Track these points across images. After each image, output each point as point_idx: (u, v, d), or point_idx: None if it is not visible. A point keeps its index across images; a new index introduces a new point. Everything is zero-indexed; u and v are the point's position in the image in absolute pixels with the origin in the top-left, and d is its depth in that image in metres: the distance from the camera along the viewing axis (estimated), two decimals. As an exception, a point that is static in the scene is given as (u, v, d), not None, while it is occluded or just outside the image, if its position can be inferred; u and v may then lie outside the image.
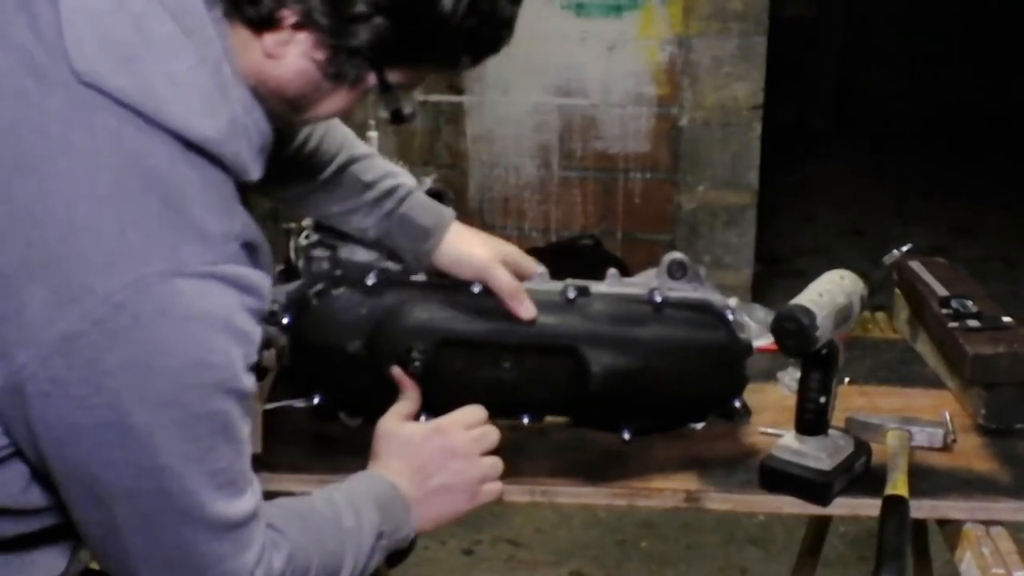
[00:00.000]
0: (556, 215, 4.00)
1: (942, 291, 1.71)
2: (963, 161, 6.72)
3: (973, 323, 1.60)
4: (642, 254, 3.75)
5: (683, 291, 1.38)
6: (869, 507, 1.31)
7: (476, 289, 1.36)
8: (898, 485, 1.31)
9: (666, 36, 3.82)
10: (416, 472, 1.24)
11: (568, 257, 3.79)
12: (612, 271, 1.41)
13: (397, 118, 1.10)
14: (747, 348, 1.39)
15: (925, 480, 1.37)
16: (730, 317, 1.38)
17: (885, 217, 5.73)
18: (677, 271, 1.38)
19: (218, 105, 0.99)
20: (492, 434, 1.29)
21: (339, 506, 1.16)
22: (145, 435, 0.94)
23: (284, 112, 1.08)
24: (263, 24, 0.99)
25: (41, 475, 1.01)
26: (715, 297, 1.39)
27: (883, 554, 1.21)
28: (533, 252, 4.42)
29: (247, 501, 1.02)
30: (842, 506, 1.36)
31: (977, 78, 7.42)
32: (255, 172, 1.05)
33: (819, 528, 2.11)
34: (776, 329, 1.28)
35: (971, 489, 1.37)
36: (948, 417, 1.52)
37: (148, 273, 0.91)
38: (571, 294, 1.36)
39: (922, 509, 1.34)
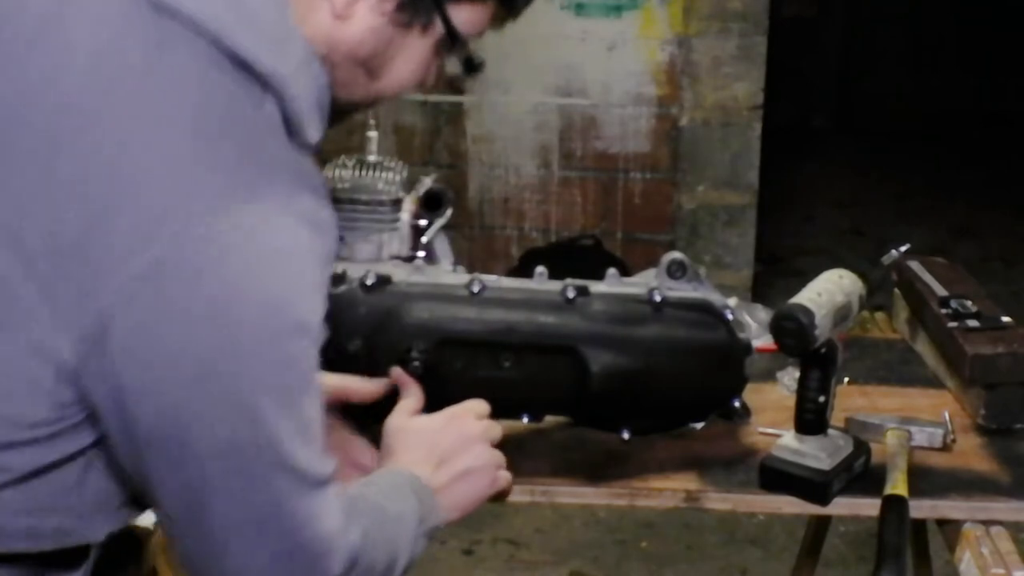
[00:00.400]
0: (556, 215, 4.00)
1: (941, 291, 1.71)
2: (963, 161, 6.72)
3: (973, 323, 1.60)
4: (642, 254, 3.75)
5: (683, 291, 1.38)
6: (869, 507, 1.31)
7: (476, 289, 1.37)
8: (898, 485, 1.31)
9: (666, 36, 3.82)
10: (438, 460, 1.22)
11: (568, 257, 3.79)
12: (612, 271, 1.41)
13: (470, 67, 1.09)
14: (747, 348, 1.39)
15: (925, 480, 1.37)
16: (729, 317, 1.38)
17: (885, 217, 5.73)
18: (677, 271, 1.38)
19: (285, 45, 0.97)
20: (496, 427, 1.29)
21: (379, 496, 1.13)
22: (235, 374, 0.90)
23: (359, 80, 1.05)
24: None
25: (100, 465, 0.97)
26: (715, 297, 1.39)
27: (883, 554, 1.21)
28: (533, 252, 4.42)
29: (329, 462, 0.99)
30: (842, 506, 1.36)
31: (977, 78, 7.41)
32: (313, 130, 1.02)
33: (819, 528, 2.11)
34: (775, 328, 1.28)
35: (971, 489, 1.37)
36: (948, 417, 1.52)
37: (232, 205, 0.89)
38: (571, 294, 1.36)
39: (922, 509, 1.34)
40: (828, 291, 1.31)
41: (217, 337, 0.89)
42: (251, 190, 0.91)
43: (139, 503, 1.03)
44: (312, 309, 0.94)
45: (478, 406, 1.29)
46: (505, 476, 1.28)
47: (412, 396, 1.31)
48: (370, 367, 1.35)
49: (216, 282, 0.88)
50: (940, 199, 6.03)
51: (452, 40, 1.05)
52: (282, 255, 0.91)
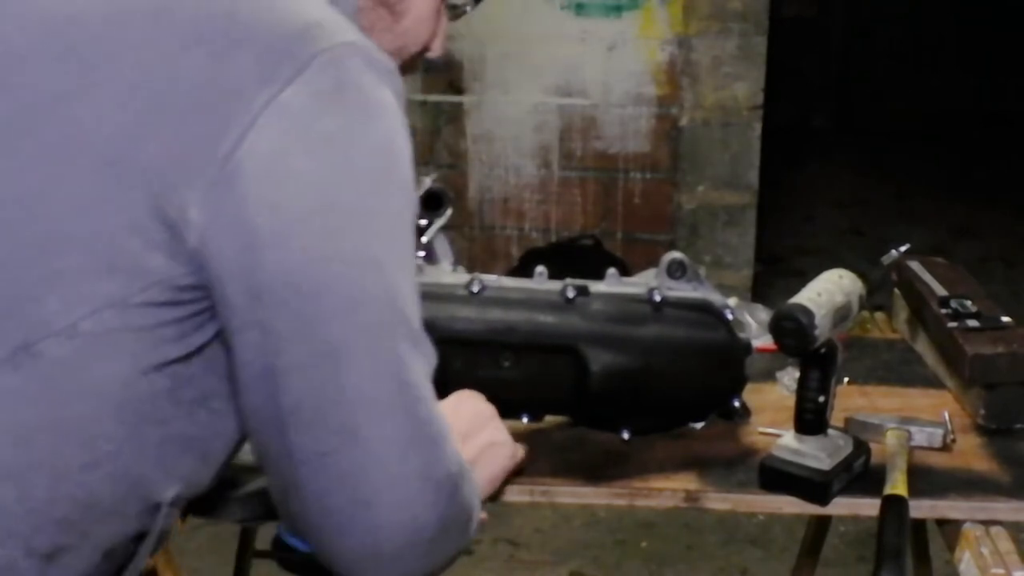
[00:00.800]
0: (556, 215, 4.00)
1: (941, 291, 1.71)
2: (963, 161, 6.73)
3: (972, 323, 1.60)
4: (642, 254, 3.75)
5: (682, 290, 1.38)
6: (869, 507, 1.31)
7: (476, 289, 1.37)
8: (898, 485, 1.31)
9: (666, 36, 3.82)
10: (462, 437, 1.18)
11: (568, 257, 3.79)
12: (612, 271, 1.41)
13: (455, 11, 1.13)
14: (746, 348, 1.39)
15: (924, 480, 1.37)
16: (729, 317, 1.38)
17: (885, 217, 5.74)
18: (676, 271, 1.38)
19: None
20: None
21: None
22: (363, 217, 0.89)
23: (384, 21, 1.08)
24: None
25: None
26: (714, 297, 1.39)
27: (883, 554, 1.21)
28: (533, 252, 4.43)
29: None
30: (842, 506, 1.36)
31: (977, 78, 7.42)
32: None
33: (819, 528, 2.11)
34: (775, 328, 1.28)
35: (970, 489, 1.37)
36: (947, 417, 1.52)
37: (342, 42, 0.90)
38: (570, 294, 1.36)
39: (921, 509, 1.34)
40: (828, 291, 1.31)
41: (342, 169, 0.88)
42: (350, 28, 0.93)
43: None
44: (409, 165, 0.94)
45: (476, 393, 1.29)
46: (522, 448, 1.29)
47: None
48: None
49: (338, 113, 0.88)
50: (940, 199, 6.04)
51: None
52: (392, 103, 0.92)
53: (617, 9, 3.79)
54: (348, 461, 0.90)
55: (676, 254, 1.39)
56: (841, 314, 1.31)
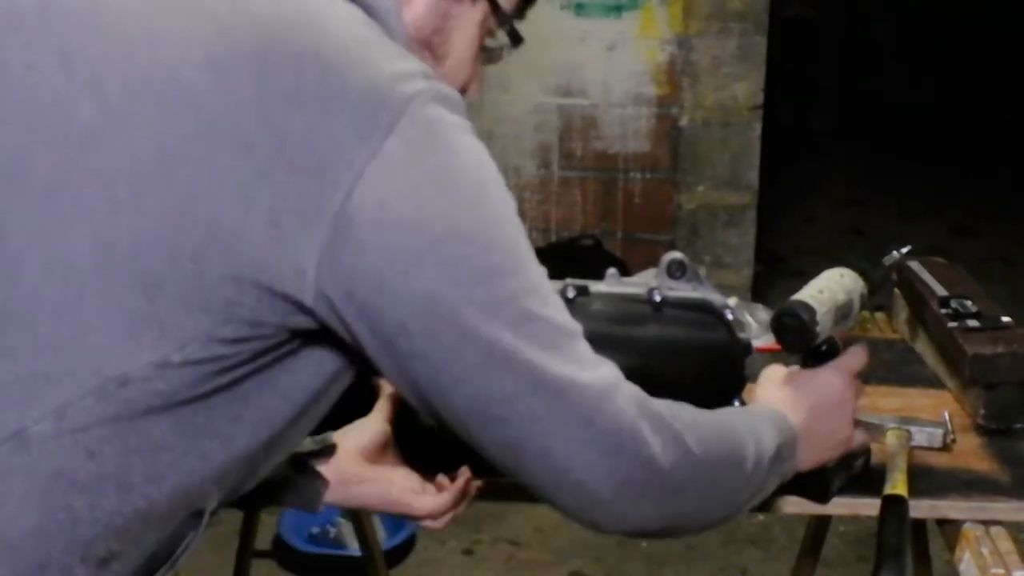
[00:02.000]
0: (556, 215, 4.00)
1: (942, 291, 1.71)
2: (963, 161, 6.73)
3: (973, 323, 1.60)
4: (642, 254, 3.75)
5: (682, 290, 1.38)
6: (869, 507, 1.31)
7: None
8: (898, 485, 1.31)
9: (666, 36, 3.82)
10: (810, 410, 1.23)
11: (568, 257, 3.79)
12: (612, 271, 1.41)
13: (515, 38, 1.16)
14: (747, 348, 1.39)
15: (924, 480, 1.37)
16: (730, 317, 1.38)
17: (885, 217, 5.74)
18: (676, 271, 1.38)
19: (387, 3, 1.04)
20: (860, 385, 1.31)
21: (729, 413, 1.19)
22: (476, 236, 0.94)
23: (427, 62, 1.10)
24: None
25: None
26: (714, 297, 1.39)
27: (883, 554, 1.21)
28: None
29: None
30: (842, 506, 1.36)
31: (977, 78, 7.42)
32: None
33: (819, 528, 2.11)
34: (776, 324, 1.28)
35: (970, 489, 1.37)
36: (947, 417, 1.52)
37: (425, 85, 0.94)
38: (570, 294, 1.36)
39: (921, 509, 1.34)
40: (830, 289, 1.31)
41: (447, 201, 0.93)
42: (423, 70, 0.97)
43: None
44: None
45: (860, 360, 1.30)
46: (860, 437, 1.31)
47: (383, 406, 1.32)
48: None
49: (433, 155, 0.93)
50: (940, 199, 6.04)
51: (495, 10, 1.12)
52: (469, 133, 0.97)
53: (617, 9, 3.79)
54: (531, 443, 0.98)
55: (676, 254, 1.39)
56: (843, 312, 1.31)
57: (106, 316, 0.89)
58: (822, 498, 1.33)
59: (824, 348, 1.32)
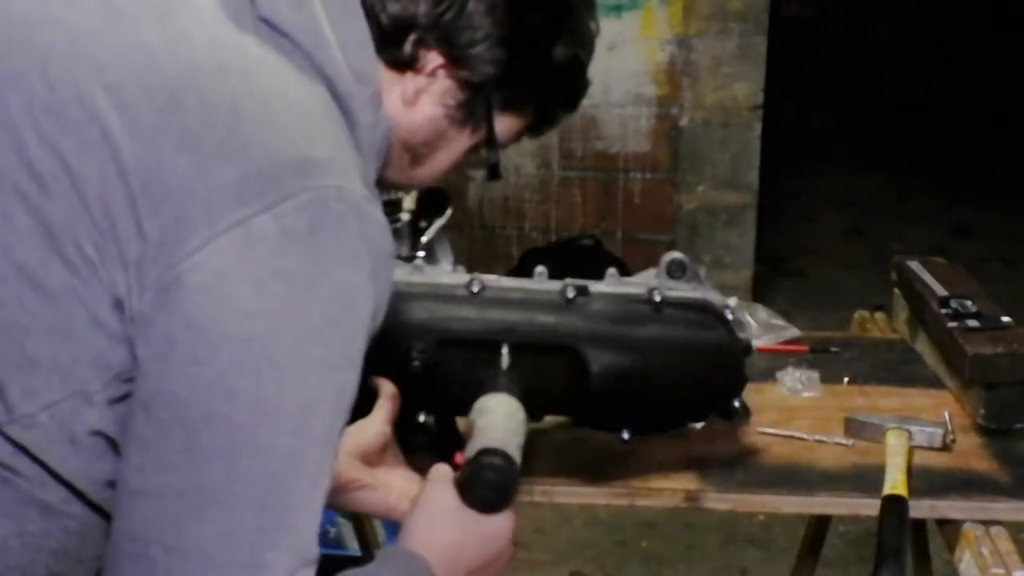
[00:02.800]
0: (556, 215, 4.00)
1: (941, 291, 1.71)
2: (963, 161, 6.72)
3: (972, 323, 1.60)
4: (642, 254, 3.75)
5: (682, 291, 1.38)
6: (869, 507, 1.31)
7: (476, 289, 1.37)
8: (897, 485, 1.31)
9: (666, 36, 3.82)
10: (453, 562, 1.05)
11: (568, 257, 3.79)
12: (612, 271, 1.41)
13: (494, 173, 1.16)
14: (747, 348, 1.39)
15: (924, 480, 1.37)
16: (729, 317, 1.38)
17: (885, 217, 5.74)
18: (676, 271, 1.38)
19: (364, 83, 1.02)
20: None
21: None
22: (289, 367, 0.86)
23: (403, 164, 1.12)
24: (406, 65, 1.05)
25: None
26: (714, 297, 1.39)
27: (883, 554, 1.21)
28: (533, 252, 4.41)
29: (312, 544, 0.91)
30: (842, 506, 1.36)
31: (977, 78, 7.42)
32: (372, 169, 1.05)
33: (819, 528, 2.11)
34: (472, 480, 1.06)
35: (970, 489, 1.37)
36: (947, 417, 1.52)
37: (333, 185, 0.90)
38: (570, 294, 1.36)
39: (921, 509, 1.34)
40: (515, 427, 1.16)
41: (283, 312, 0.86)
42: (352, 177, 0.93)
43: None
44: (366, 318, 0.93)
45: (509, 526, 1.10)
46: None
47: (384, 406, 1.29)
48: (369, 368, 1.34)
49: (300, 254, 0.87)
50: (940, 199, 6.04)
51: (490, 145, 1.13)
52: (368, 250, 0.91)
53: (617, 9, 3.79)
54: None
55: (676, 254, 1.39)
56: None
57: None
58: None
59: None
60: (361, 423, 1.30)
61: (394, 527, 3.30)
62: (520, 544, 2.97)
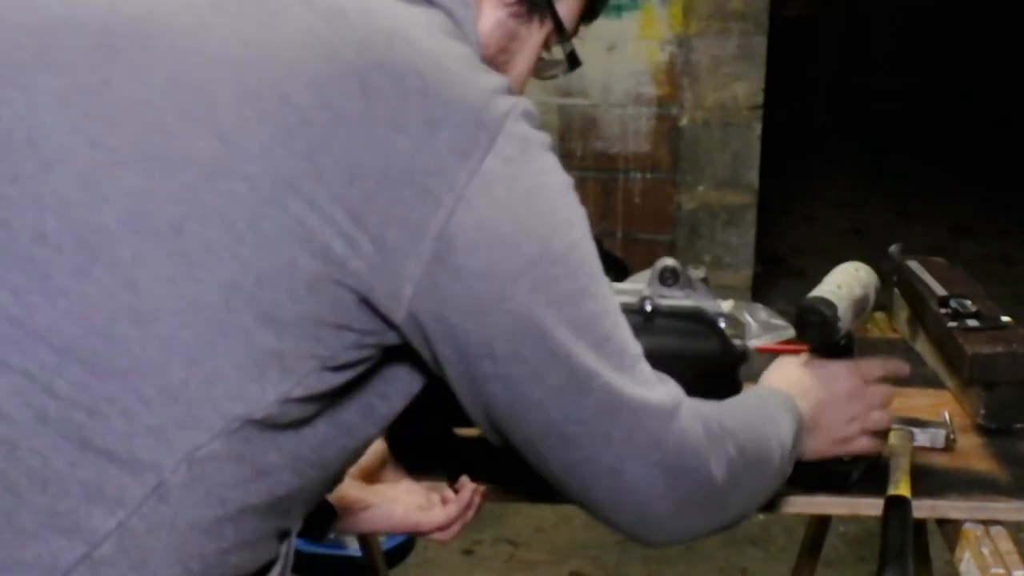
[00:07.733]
0: (556, 215, 3.99)
1: (941, 291, 1.71)
2: (963, 161, 6.73)
3: (972, 323, 1.59)
4: (642, 254, 3.75)
5: (675, 298, 1.37)
6: (870, 507, 1.31)
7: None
8: (900, 485, 1.31)
9: (666, 36, 3.82)
10: (818, 402, 1.25)
11: (568, 257, 3.79)
12: (606, 278, 1.40)
13: (574, 61, 1.16)
14: (741, 356, 1.38)
15: (924, 480, 1.37)
16: (722, 325, 1.37)
17: (885, 217, 5.74)
18: (669, 278, 1.37)
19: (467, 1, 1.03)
20: (890, 393, 1.32)
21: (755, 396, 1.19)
22: (568, 257, 0.96)
23: None
24: None
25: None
26: (708, 304, 1.38)
27: (886, 554, 1.21)
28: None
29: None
30: (842, 506, 1.36)
31: (977, 78, 7.42)
32: None
33: (819, 528, 2.11)
34: (798, 322, 1.29)
35: (970, 489, 1.37)
36: (948, 417, 1.52)
37: (511, 102, 0.94)
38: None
39: (921, 509, 1.34)
40: (847, 284, 1.32)
41: (544, 222, 0.94)
42: (504, 83, 0.96)
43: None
44: None
45: (872, 369, 1.31)
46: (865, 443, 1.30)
47: None
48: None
49: (527, 176, 0.93)
50: (940, 199, 6.04)
51: (560, 32, 1.12)
52: (550, 148, 0.98)
53: (617, 9, 3.79)
54: (600, 465, 0.98)
55: (668, 260, 1.38)
56: (860, 306, 1.32)
57: (235, 357, 0.87)
58: (842, 486, 1.33)
59: (843, 343, 1.32)
60: None
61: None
62: (520, 544, 2.97)
